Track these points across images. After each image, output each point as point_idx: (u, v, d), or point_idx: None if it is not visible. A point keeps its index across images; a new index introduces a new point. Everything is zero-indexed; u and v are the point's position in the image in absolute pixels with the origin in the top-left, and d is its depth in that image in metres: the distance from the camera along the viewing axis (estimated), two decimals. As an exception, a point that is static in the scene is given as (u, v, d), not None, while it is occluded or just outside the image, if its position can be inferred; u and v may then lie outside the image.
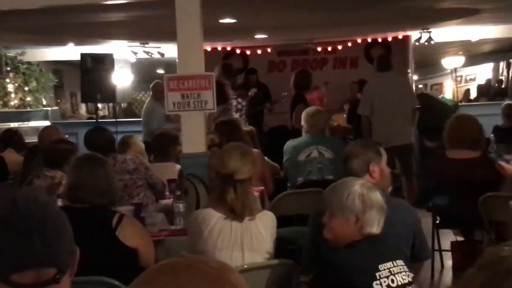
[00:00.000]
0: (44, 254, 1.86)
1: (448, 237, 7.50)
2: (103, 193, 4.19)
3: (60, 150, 6.24)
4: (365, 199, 3.68)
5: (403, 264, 3.65)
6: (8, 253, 1.84)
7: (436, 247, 7.14)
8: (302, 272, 4.44)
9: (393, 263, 3.58)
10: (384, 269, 3.52)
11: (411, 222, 4.31)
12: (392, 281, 3.52)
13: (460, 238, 7.31)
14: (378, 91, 9.57)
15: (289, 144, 7.56)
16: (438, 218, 7.03)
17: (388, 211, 3.96)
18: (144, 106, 12.12)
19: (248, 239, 4.24)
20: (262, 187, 6.78)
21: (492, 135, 9.70)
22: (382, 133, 9.15)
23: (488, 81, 20.13)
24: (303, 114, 7.62)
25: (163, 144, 7.09)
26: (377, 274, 3.49)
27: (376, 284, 3.48)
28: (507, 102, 11.58)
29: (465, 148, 6.66)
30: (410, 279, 3.62)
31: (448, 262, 7.32)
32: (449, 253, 7.28)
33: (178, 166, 6.62)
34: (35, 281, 1.85)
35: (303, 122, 7.54)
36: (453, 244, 7.26)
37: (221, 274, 1.38)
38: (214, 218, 4.23)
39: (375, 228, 3.68)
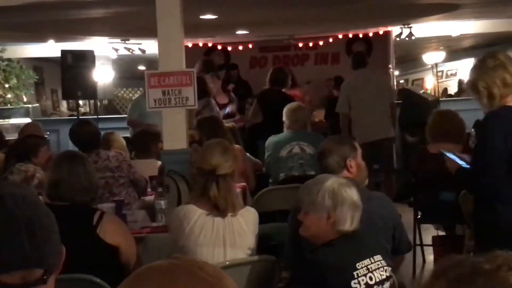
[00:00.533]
0: (33, 255, 1.85)
1: (429, 232, 7.53)
2: (83, 190, 4.17)
3: (29, 144, 6.26)
4: (336, 195, 3.66)
5: (381, 259, 3.63)
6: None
7: (418, 241, 7.16)
8: (283, 268, 4.45)
9: (370, 259, 3.57)
10: (362, 267, 3.51)
11: (390, 215, 4.30)
12: (370, 278, 3.51)
13: (441, 233, 7.34)
14: (356, 87, 9.65)
15: (271, 140, 7.56)
16: (419, 213, 7.05)
17: (366, 205, 3.96)
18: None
19: (230, 235, 4.24)
20: (244, 183, 6.78)
21: (473, 130, 9.73)
22: (361, 128, 9.23)
23: (462, 80, 20.18)
24: (285, 110, 7.63)
25: (144, 141, 7.07)
26: (354, 273, 3.48)
27: (354, 283, 3.46)
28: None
29: (448, 142, 6.67)
30: (388, 274, 3.61)
31: (430, 257, 7.35)
32: (431, 248, 7.32)
33: (159, 163, 6.61)
34: (23, 281, 1.84)
35: (284, 118, 7.54)
36: (435, 238, 7.30)
37: (215, 280, 1.38)
38: (195, 214, 4.23)
39: (348, 225, 3.65)
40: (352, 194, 3.71)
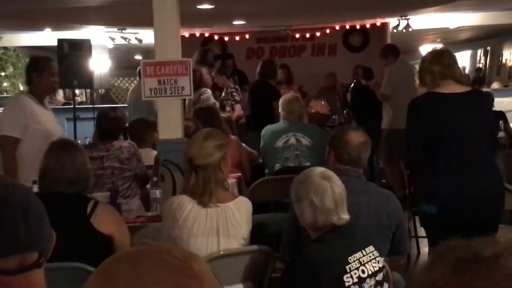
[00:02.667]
0: (28, 239, 1.88)
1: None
2: (69, 182, 4.12)
3: None
4: (318, 188, 3.67)
5: (373, 249, 3.63)
6: None
7: (413, 233, 7.18)
8: (282, 253, 4.45)
9: (362, 252, 3.56)
10: (354, 261, 3.50)
11: (396, 214, 4.33)
12: (363, 271, 3.50)
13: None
14: (401, 76, 10.50)
15: (268, 129, 7.56)
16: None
17: (374, 199, 3.96)
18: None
19: (224, 225, 4.24)
20: (239, 174, 6.78)
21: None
22: (400, 116, 9.33)
23: (463, 68, 20.20)
24: (280, 101, 7.64)
25: (139, 130, 7.06)
26: (347, 267, 3.47)
27: (347, 277, 3.45)
28: (484, 90, 11.65)
29: None
30: (381, 265, 3.61)
31: (425, 249, 7.36)
32: (426, 240, 7.32)
33: (155, 152, 6.60)
34: (19, 266, 1.86)
35: (280, 109, 7.55)
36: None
37: (184, 264, 1.36)
38: (189, 205, 4.22)
39: (339, 216, 3.66)
40: (336, 187, 3.71)
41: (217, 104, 9.56)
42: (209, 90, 9.66)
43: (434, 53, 5.29)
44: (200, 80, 9.48)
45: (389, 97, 10.39)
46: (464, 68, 20.17)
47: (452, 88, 5.06)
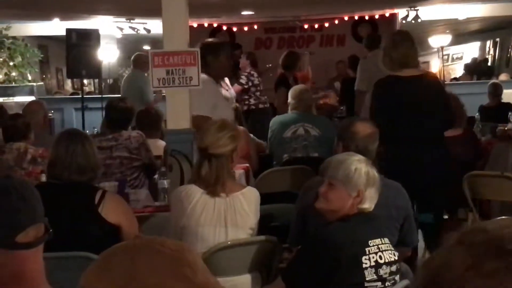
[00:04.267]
0: (34, 212, 2.06)
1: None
2: (80, 170, 4.14)
3: (17, 125, 6.31)
4: (370, 176, 3.70)
5: (389, 242, 3.66)
6: (10, 216, 2.02)
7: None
8: (289, 244, 4.46)
9: (381, 240, 3.60)
10: (373, 245, 3.54)
11: (404, 205, 4.34)
12: (380, 257, 3.53)
13: (444, 216, 7.34)
14: (374, 67, 9.68)
15: (276, 119, 7.57)
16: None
17: (383, 191, 3.97)
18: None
19: (232, 215, 4.24)
20: (247, 164, 6.78)
21: (477, 114, 9.73)
22: None
23: (474, 59, 20.13)
24: (290, 91, 7.65)
25: (148, 121, 7.07)
26: (366, 249, 3.51)
27: (365, 258, 3.49)
28: (492, 81, 11.61)
29: None
30: (396, 258, 3.64)
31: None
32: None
33: (162, 142, 6.61)
34: (35, 238, 2.03)
35: (290, 99, 7.55)
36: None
37: (178, 254, 1.39)
38: (197, 194, 4.23)
39: (370, 204, 3.70)
40: (378, 177, 3.76)
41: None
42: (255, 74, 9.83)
43: (394, 41, 5.98)
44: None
45: (364, 93, 10.13)
46: (475, 60, 20.08)
47: (408, 72, 5.80)
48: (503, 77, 15.20)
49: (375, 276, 3.52)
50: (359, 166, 3.71)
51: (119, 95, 11.47)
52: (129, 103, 6.54)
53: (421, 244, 7.28)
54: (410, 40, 6.00)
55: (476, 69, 18.56)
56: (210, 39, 7.32)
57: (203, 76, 6.33)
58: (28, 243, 2.00)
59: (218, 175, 4.24)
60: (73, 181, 4.10)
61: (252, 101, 10.63)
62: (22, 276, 1.98)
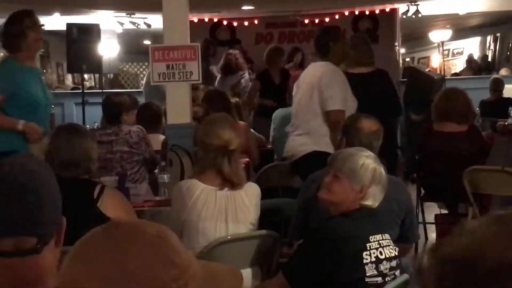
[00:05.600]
0: (24, 222, 1.87)
1: (432, 210, 7.54)
2: (63, 165, 4.10)
3: None
4: (376, 173, 3.69)
5: (390, 238, 3.66)
6: None
7: (420, 219, 7.17)
8: (290, 237, 4.46)
9: (382, 235, 3.60)
10: (374, 241, 3.54)
11: (404, 200, 4.35)
12: (381, 253, 3.54)
13: (444, 211, 7.35)
14: None
15: (278, 113, 7.61)
16: (422, 190, 7.06)
17: None
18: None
19: (233, 210, 4.24)
20: (248, 159, 6.79)
21: (478, 109, 9.74)
22: None
23: (471, 56, 20.08)
24: (294, 86, 7.68)
25: (148, 115, 7.07)
26: (367, 244, 3.51)
27: (366, 254, 3.49)
28: (494, 76, 11.62)
29: (451, 121, 6.69)
30: (396, 253, 3.64)
31: (432, 235, 7.36)
32: (433, 226, 7.32)
33: (162, 137, 6.61)
34: (15, 249, 1.86)
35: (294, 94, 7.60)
36: (437, 217, 7.31)
37: (160, 240, 1.36)
38: (198, 188, 4.23)
39: (374, 202, 3.69)
40: (385, 176, 3.75)
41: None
42: (247, 73, 9.70)
43: (352, 43, 7.07)
44: (236, 64, 9.51)
45: None
46: (472, 56, 20.03)
47: (361, 69, 6.86)
48: (503, 72, 15.19)
49: (376, 272, 3.52)
50: (367, 162, 3.70)
51: (119, 90, 11.49)
52: (123, 98, 6.57)
53: (421, 240, 7.31)
54: (367, 43, 7.17)
55: (476, 66, 18.54)
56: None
57: (330, 65, 6.27)
58: (4, 252, 1.87)
59: (238, 170, 4.26)
60: (67, 177, 4.08)
61: None
62: (8, 283, 1.88)
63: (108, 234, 1.38)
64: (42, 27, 6.18)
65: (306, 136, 6.10)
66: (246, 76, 9.54)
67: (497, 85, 10.39)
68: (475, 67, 18.59)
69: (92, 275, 1.31)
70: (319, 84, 6.05)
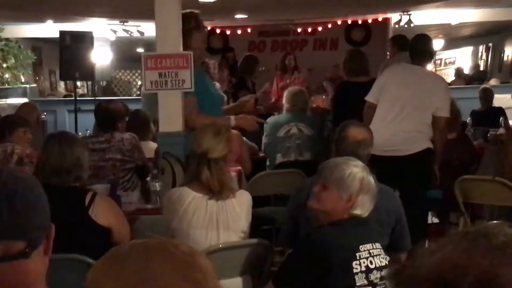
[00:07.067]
0: (12, 226, 1.85)
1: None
2: (54, 172, 4.11)
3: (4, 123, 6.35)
4: (364, 182, 3.68)
5: (381, 247, 3.67)
6: None
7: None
8: (279, 244, 4.46)
9: (372, 245, 3.60)
10: (364, 250, 3.54)
11: (394, 209, 4.33)
12: (371, 262, 3.54)
13: (435, 220, 7.36)
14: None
15: (270, 120, 7.66)
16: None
17: None
18: None
19: (224, 218, 4.25)
20: (240, 167, 6.79)
21: (469, 119, 9.76)
22: None
23: (459, 69, 20.08)
24: (285, 93, 7.80)
25: (137, 123, 7.07)
26: (357, 254, 3.51)
27: (356, 264, 3.49)
28: (483, 86, 11.65)
29: None
30: (387, 262, 3.64)
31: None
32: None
33: (154, 144, 6.61)
34: (3, 253, 1.84)
35: (284, 101, 7.68)
36: (429, 226, 7.31)
37: (190, 258, 1.40)
38: (189, 197, 4.23)
39: (363, 211, 3.69)
40: (375, 185, 3.74)
41: (225, 97, 9.53)
42: (217, 83, 9.64)
43: (349, 57, 8.04)
44: (208, 74, 9.48)
45: None
46: (461, 70, 20.01)
47: (360, 78, 7.61)
48: (493, 81, 15.23)
49: (366, 281, 3.52)
50: (355, 171, 3.70)
51: (112, 97, 11.46)
52: (114, 105, 6.58)
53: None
54: (364, 56, 8.03)
55: (464, 78, 18.58)
56: None
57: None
58: None
59: (220, 179, 4.25)
60: (59, 184, 4.08)
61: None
62: None
63: (141, 246, 1.43)
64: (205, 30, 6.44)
65: None
66: (216, 87, 9.50)
67: (487, 95, 10.42)
68: (464, 78, 18.63)
69: (113, 279, 1.36)
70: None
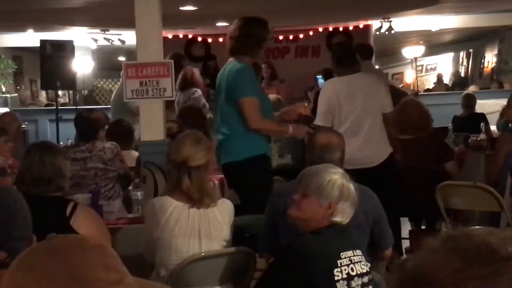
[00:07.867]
0: None
1: (407, 226, 7.54)
2: (34, 182, 4.10)
3: None
4: (344, 189, 3.68)
5: (361, 254, 3.66)
6: None
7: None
8: (258, 251, 4.45)
9: (353, 252, 3.59)
10: (345, 257, 3.54)
11: (372, 210, 4.33)
12: (352, 269, 3.53)
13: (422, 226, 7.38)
14: None
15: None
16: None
17: None
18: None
19: (206, 227, 4.24)
20: (222, 176, 6.77)
21: (450, 125, 9.80)
22: None
23: (440, 75, 20.18)
24: None
25: (119, 132, 7.05)
26: (338, 261, 3.50)
27: (337, 271, 3.48)
28: (465, 92, 11.71)
29: (407, 133, 6.83)
30: (368, 269, 3.64)
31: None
32: (407, 241, 7.33)
33: (135, 153, 6.60)
34: None
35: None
36: (412, 232, 7.32)
37: (102, 248, 1.44)
38: (171, 206, 4.22)
39: (344, 218, 3.69)
40: (354, 191, 3.73)
41: (207, 105, 9.49)
42: (199, 91, 9.61)
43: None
44: (191, 80, 9.46)
45: None
46: (440, 77, 20.10)
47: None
48: (472, 88, 15.30)
49: (347, 288, 3.52)
50: (334, 178, 3.70)
51: (93, 106, 11.42)
52: (94, 114, 6.58)
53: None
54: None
55: (444, 86, 18.68)
56: None
57: None
58: None
59: (200, 187, 4.24)
60: (41, 194, 4.06)
61: None
62: None
63: (51, 245, 1.44)
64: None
65: None
66: (197, 94, 9.43)
67: (469, 100, 10.46)
68: (444, 85, 18.74)
69: (42, 283, 1.35)
70: None
